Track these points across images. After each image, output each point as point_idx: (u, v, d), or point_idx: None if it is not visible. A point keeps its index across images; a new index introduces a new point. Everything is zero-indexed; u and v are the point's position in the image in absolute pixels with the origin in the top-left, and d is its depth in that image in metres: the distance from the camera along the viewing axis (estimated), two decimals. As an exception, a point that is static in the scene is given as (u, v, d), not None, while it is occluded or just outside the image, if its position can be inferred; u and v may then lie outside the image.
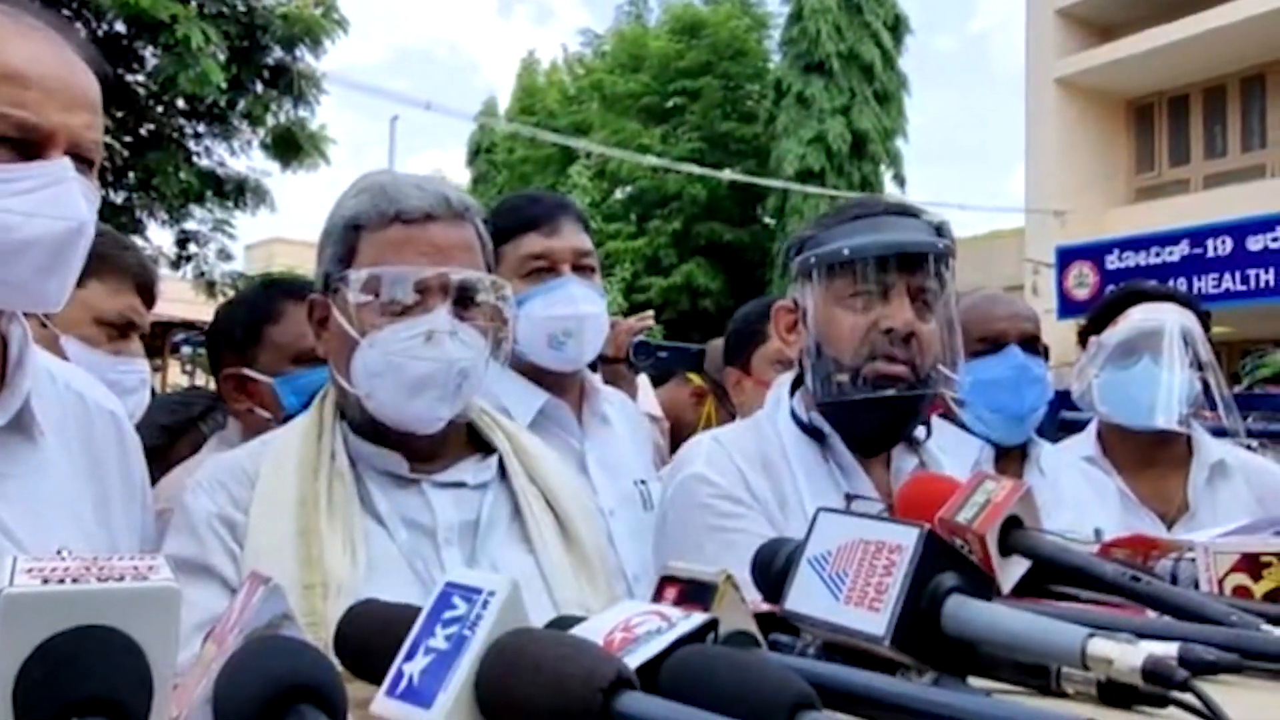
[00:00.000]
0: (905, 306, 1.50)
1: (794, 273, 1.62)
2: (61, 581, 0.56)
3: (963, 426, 2.21)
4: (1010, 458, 2.21)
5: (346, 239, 1.34)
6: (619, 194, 21.40)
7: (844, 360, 1.52)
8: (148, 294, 1.88)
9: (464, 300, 1.32)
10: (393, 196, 1.32)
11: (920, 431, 1.63)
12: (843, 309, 1.53)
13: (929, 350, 1.51)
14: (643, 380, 2.81)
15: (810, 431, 1.57)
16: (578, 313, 1.96)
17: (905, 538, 0.79)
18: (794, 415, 1.60)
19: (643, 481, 2.04)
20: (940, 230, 1.58)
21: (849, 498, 1.46)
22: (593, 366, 2.18)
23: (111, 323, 1.79)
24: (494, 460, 1.41)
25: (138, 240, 10.19)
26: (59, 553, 0.60)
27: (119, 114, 9.74)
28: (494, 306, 1.36)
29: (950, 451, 2.09)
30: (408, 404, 1.31)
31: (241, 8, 9.99)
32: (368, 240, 1.33)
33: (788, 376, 1.67)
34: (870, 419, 1.53)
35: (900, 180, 20.24)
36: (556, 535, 1.37)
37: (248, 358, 1.98)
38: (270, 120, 10.65)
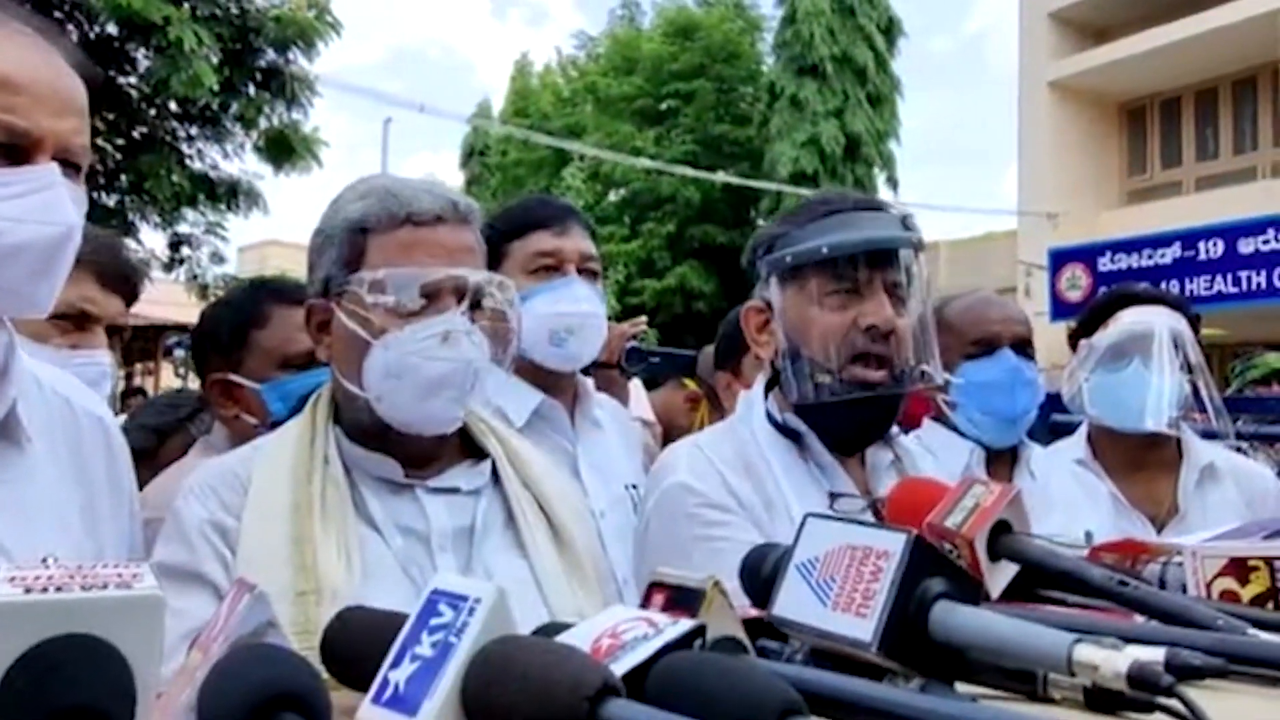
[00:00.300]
0: (884, 302, 1.50)
1: (764, 273, 1.61)
2: (45, 590, 0.56)
3: (954, 429, 2.22)
4: (1001, 461, 2.21)
5: (352, 241, 1.33)
6: (613, 196, 21.38)
7: (824, 360, 1.51)
8: (112, 280, 1.78)
9: (475, 302, 1.33)
10: (403, 199, 1.33)
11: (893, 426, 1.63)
12: (820, 308, 1.52)
13: (906, 345, 1.52)
14: (635, 385, 2.81)
15: (786, 432, 1.56)
16: (581, 310, 1.99)
17: (893, 543, 0.78)
18: (769, 417, 1.58)
19: (634, 486, 2.05)
20: (906, 223, 1.58)
21: (832, 496, 1.46)
22: (585, 372, 2.20)
23: (63, 314, 1.69)
24: (487, 465, 1.41)
25: (130, 243, 10.17)
26: (45, 561, 0.60)
27: (111, 116, 9.72)
28: (498, 309, 1.36)
29: (941, 454, 2.10)
30: (422, 404, 1.31)
31: (234, 10, 9.98)
32: (377, 243, 1.32)
33: (760, 378, 1.66)
34: (852, 418, 1.53)
35: (893, 183, 20.27)
36: (549, 540, 1.37)
37: (233, 362, 1.93)
38: (263, 123, 10.64)
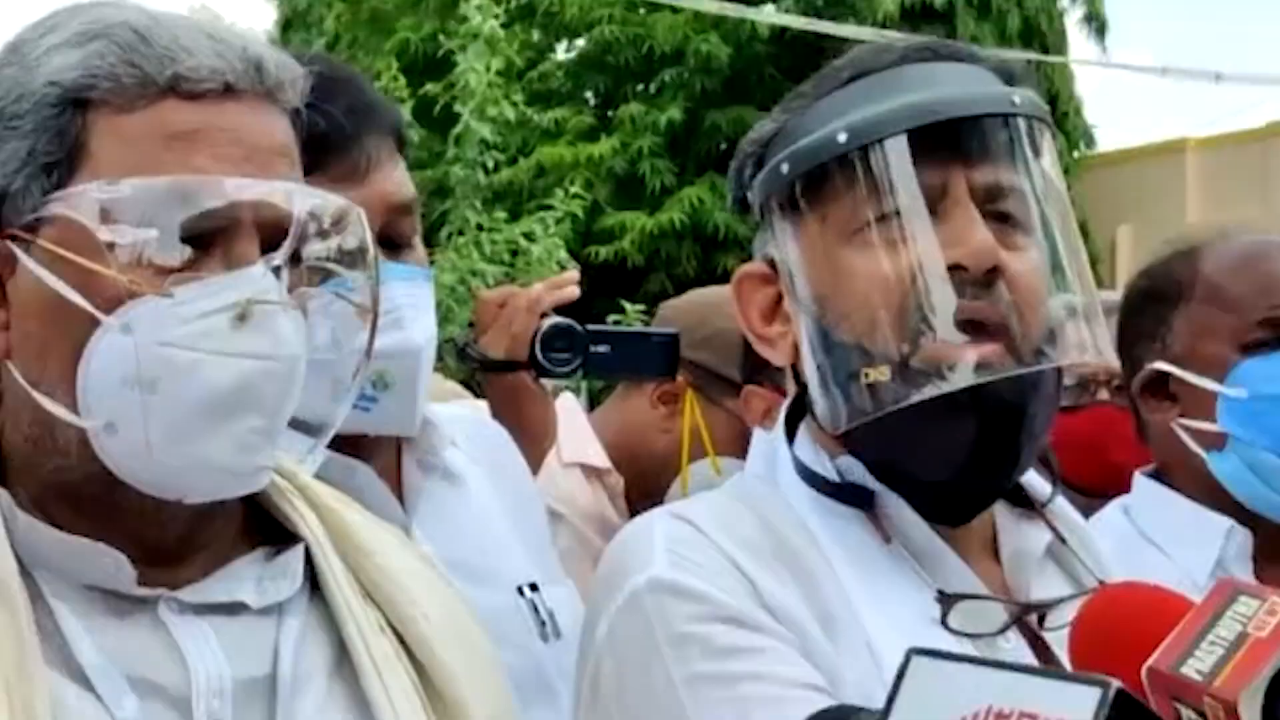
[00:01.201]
0: (975, 222, 0.86)
1: (759, 205, 0.95)
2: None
3: (1196, 494, 1.33)
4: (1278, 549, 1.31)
5: (58, 125, 0.77)
6: (561, 52, 11.95)
7: (875, 344, 0.88)
8: None
9: (294, 251, 0.78)
10: (162, 49, 0.77)
11: (1038, 482, 0.96)
12: (855, 250, 0.89)
13: (1031, 296, 0.89)
14: (571, 403, 1.83)
15: (839, 491, 0.92)
16: (405, 345, 1.12)
17: (1079, 705, 0.52)
18: (801, 466, 0.94)
19: (532, 586, 1.23)
20: (1011, 77, 0.93)
21: (944, 598, 0.87)
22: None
23: None
24: (297, 557, 0.85)
25: None
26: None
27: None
28: (334, 264, 0.82)
29: (1169, 540, 1.31)
30: (195, 443, 0.75)
31: None
32: (108, 128, 0.76)
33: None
34: (942, 443, 0.89)
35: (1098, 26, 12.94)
36: (414, 692, 0.82)
37: None
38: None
